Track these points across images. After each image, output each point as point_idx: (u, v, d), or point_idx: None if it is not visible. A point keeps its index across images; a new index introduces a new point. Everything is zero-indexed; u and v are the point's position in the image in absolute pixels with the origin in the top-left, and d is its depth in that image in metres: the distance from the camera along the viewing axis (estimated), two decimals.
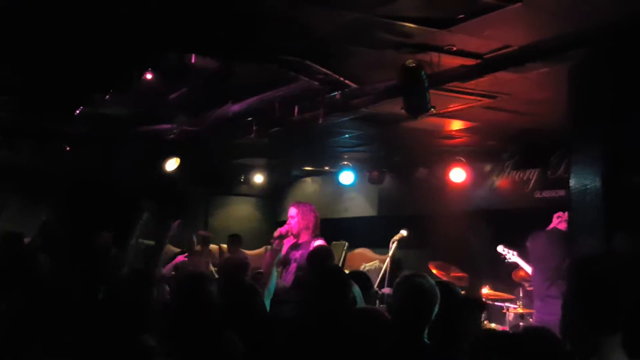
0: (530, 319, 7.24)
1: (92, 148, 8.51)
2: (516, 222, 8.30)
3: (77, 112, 6.94)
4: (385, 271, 7.64)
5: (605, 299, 2.56)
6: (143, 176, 9.19)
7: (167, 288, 4.27)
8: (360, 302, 3.95)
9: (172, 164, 9.36)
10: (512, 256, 7.63)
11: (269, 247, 6.70)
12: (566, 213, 6.05)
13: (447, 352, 3.62)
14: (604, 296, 2.58)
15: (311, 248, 6.21)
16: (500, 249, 7.74)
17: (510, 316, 7.81)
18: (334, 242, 10.04)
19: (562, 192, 8.44)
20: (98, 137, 8.32)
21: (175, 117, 7.79)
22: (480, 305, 4.41)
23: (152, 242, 9.64)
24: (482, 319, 7.91)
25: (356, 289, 3.82)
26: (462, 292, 7.93)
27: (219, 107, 7.22)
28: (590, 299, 2.58)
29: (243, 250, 11.12)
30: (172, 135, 8.13)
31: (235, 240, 11.06)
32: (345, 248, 10.06)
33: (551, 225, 6.63)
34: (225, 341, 3.54)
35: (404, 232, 7.64)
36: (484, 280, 8.33)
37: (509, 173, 9.64)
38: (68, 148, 8.60)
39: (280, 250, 6.20)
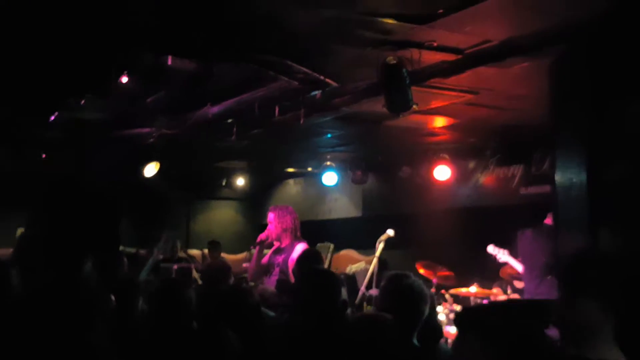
0: None
1: (69, 154, 8.37)
2: (502, 219, 8.28)
3: (53, 117, 6.81)
4: (372, 272, 7.58)
5: (593, 300, 2.52)
6: (122, 181, 9.07)
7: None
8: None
9: (151, 169, 9.24)
10: (502, 255, 7.60)
11: (252, 251, 6.66)
12: None
13: (432, 350, 3.57)
14: (592, 297, 2.55)
15: (293, 252, 6.16)
16: (491, 249, 7.70)
17: None
18: (319, 244, 9.99)
19: (547, 188, 8.42)
20: (75, 143, 8.18)
21: (154, 120, 7.67)
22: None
23: (132, 250, 9.55)
24: None
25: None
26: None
27: (197, 109, 7.11)
28: (579, 300, 2.55)
29: (223, 255, 11.08)
30: (151, 139, 8.01)
31: (214, 246, 11.03)
32: (331, 250, 10.00)
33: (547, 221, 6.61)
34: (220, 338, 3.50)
35: (390, 232, 7.57)
36: (472, 278, 8.28)
37: (493, 170, 9.60)
38: (44, 155, 8.45)
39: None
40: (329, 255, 10.21)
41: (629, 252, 3.94)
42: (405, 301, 3.44)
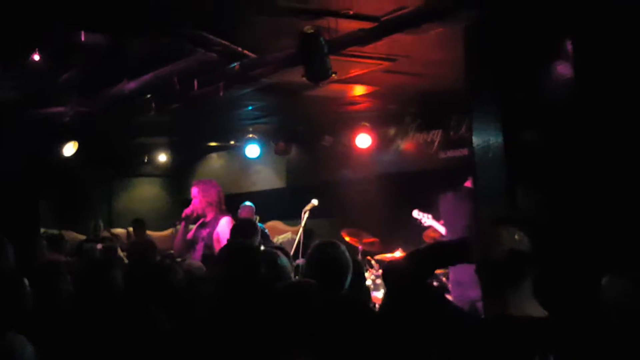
0: (444, 278, 7.37)
1: None
2: (424, 183, 8.44)
3: None
4: (298, 242, 7.64)
5: (504, 261, 2.61)
6: (39, 163, 8.78)
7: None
8: (288, 272, 3.90)
9: (69, 148, 9.01)
10: (427, 220, 7.73)
11: (177, 227, 6.61)
12: None
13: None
14: (503, 257, 2.63)
15: (217, 225, 6.15)
16: (416, 213, 7.83)
17: None
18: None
19: (465, 151, 8.62)
20: None
21: (69, 98, 7.45)
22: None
23: (55, 232, 9.32)
24: None
25: (284, 260, 3.78)
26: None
27: (114, 85, 6.95)
28: (491, 261, 2.64)
29: (149, 233, 10.97)
30: (67, 118, 7.78)
31: (139, 224, 10.90)
32: (256, 222, 9.98)
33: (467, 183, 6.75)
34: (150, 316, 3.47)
35: (314, 202, 7.64)
36: (396, 243, 8.42)
37: (413, 135, 9.76)
38: None
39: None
40: None
41: (544, 211, 4.08)
42: (325, 269, 3.49)
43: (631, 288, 1.59)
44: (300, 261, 7.09)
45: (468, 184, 6.72)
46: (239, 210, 8.82)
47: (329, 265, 3.50)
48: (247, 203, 9.24)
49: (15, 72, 5.94)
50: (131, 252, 6.23)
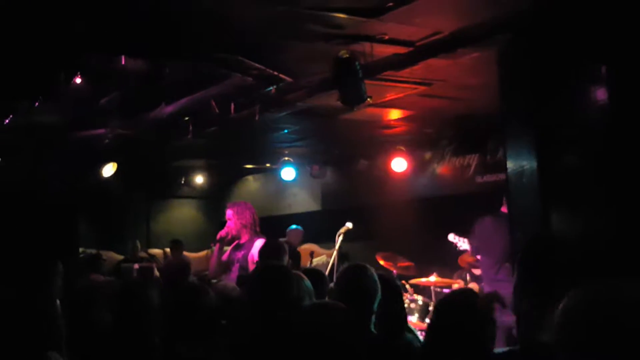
0: None
1: (24, 158, 8.25)
2: (460, 207, 8.38)
3: (7, 121, 6.71)
4: (333, 265, 7.63)
5: (545, 279, 2.60)
6: (79, 184, 8.97)
7: None
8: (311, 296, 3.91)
9: (109, 170, 9.18)
10: (463, 244, 7.67)
11: (213, 249, 6.67)
12: None
13: (395, 340, 3.62)
14: (544, 276, 2.62)
15: (252, 247, 6.18)
16: (451, 237, 7.78)
17: None
18: (280, 240, 9.99)
19: (502, 176, 8.52)
20: (30, 146, 8.07)
21: (109, 121, 7.61)
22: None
23: (93, 251, 9.46)
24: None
25: (307, 283, 3.78)
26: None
27: (152, 108, 7.07)
28: (533, 279, 2.63)
29: (186, 254, 11.05)
30: (107, 140, 7.94)
31: (176, 245, 10.99)
32: (284, 243, 10.02)
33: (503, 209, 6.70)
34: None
35: (349, 225, 7.63)
36: (431, 267, 8.37)
37: (449, 159, 9.71)
38: None
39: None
40: None
41: (579, 237, 4.04)
42: (351, 294, 3.47)
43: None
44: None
45: (504, 209, 6.67)
46: (287, 234, 8.86)
47: (356, 290, 3.49)
48: (294, 226, 9.25)
49: (56, 97, 6.07)
50: (164, 273, 6.30)
